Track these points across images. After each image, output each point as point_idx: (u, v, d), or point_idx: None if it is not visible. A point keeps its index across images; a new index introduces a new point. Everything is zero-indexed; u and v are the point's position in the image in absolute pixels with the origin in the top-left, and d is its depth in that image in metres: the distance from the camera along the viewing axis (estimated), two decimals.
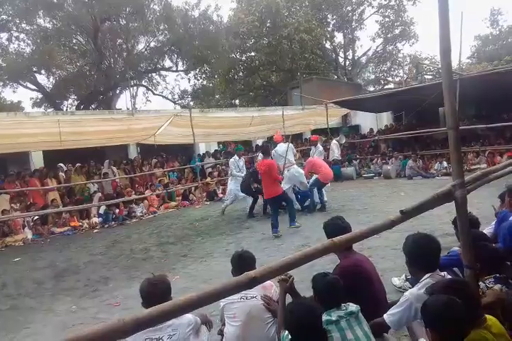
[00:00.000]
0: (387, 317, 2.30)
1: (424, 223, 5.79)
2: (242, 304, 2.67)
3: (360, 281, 2.64)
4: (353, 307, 2.26)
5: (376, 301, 2.65)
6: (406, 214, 1.89)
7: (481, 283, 2.39)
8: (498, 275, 2.45)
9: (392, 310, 2.32)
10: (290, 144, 8.42)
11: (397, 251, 4.80)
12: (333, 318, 2.15)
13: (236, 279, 1.42)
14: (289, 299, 2.66)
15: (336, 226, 2.92)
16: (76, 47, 23.15)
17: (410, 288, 3.73)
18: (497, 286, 2.32)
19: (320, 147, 10.46)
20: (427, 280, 2.31)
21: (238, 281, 1.41)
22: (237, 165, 9.28)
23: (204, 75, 28.46)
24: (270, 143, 17.12)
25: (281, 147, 8.33)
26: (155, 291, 2.37)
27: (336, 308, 2.22)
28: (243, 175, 8.98)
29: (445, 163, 12.45)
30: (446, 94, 2.18)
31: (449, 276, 2.42)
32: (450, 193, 2.07)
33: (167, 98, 28.79)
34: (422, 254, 2.39)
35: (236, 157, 9.41)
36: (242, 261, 2.86)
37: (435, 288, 1.95)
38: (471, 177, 2.29)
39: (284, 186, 7.74)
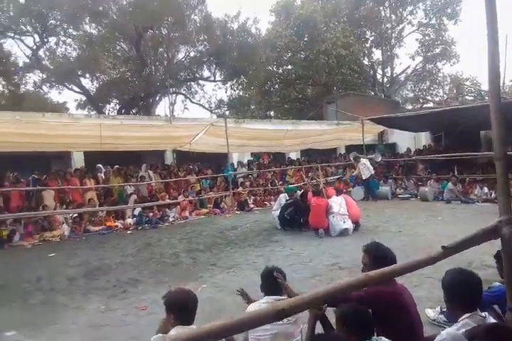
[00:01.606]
0: None
1: (463, 252, 5.55)
2: (269, 326, 2.59)
3: (396, 311, 2.54)
4: None
5: (412, 334, 2.55)
6: (448, 251, 1.82)
7: None
8: None
9: None
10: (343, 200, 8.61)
11: (433, 279, 4.61)
12: None
13: (264, 311, 1.42)
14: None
15: (383, 255, 2.77)
16: (119, 54, 23.96)
17: (445, 321, 3.59)
18: None
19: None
20: (465, 320, 2.20)
21: (266, 312, 1.40)
22: (282, 202, 9.46)
23: (241, 86, 28.84)
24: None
25: (336, 202, 8.46)
26: (193, 302, 2.42)
27: None
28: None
29: (486, 189, 11.94)
30: (494, 120, 2.08)
31: (491, 317, 2.30)
32: (497, 230, 1.98)
33: (204, 107, 29.34)
34: (462, 292, 2.27)
35: (286, 195, 9.57)
36: (272, 278, 2.83)
37: (476, 333, 1.85)
38: None
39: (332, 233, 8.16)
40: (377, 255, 2.77)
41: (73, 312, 4.70)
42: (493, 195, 11.52)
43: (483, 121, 9.09)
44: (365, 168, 13.13)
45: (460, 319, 2.24)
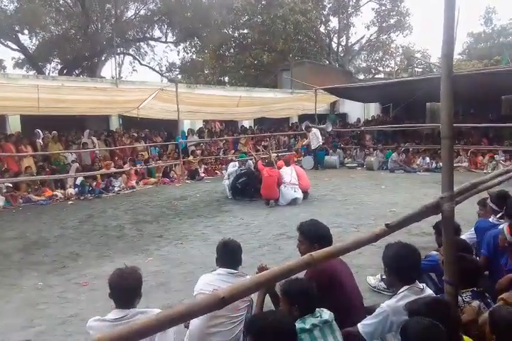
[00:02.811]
0: (361, 327, 2.26)
1: None
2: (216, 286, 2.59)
3: (332, 285, 2.57)
4: (326, 314, 2.19)
5: (349, 305, 2.59)
6: (391, 228, 1.82)
7: (458, 296, 2.37)
8: (475, 289, 2.43)
9: (367, 320, 2.27)
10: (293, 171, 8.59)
11: (374, 246, 4.77)
12: (307, 326, 2.08)
13: (204, 300, 1.33)
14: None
15: (316, 232, 2.79)
16: (63, 9, 22.05)
17: (384, 288, 3.75)
18: (475, 303, 2.29)
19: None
20: (405, 292, 2.27)
21: (206, 302, 1.31)
22: (232, 170, 9.43)
23: (194, 49, 27.72)
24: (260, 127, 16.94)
25: (286, 173, 8.44)
26: (126, 285, 2.28)
27: (311, 315, 2.15)
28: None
29: (428, 159, 12.55)
30: (444, 101, 2.08)
31: (428, 288, 2.39)
32: (438, 206, 2.00)
33: (154, 69, 28.07)
34: (402, 266, 2.33)
35: (236, 163, 9.61)
36: (228, 250, 2.80)
37: (415, 307, 1.90)
38: (460, 188, 2.22)
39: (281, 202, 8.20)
40: (310, 232, 2.78)
41: (7, 289, 4.44)
42: (433, 164, 12.14)
43: (430, 93, 9.41)
44: (315, 137, 13.28)
45: (399, 291, 2.32)
